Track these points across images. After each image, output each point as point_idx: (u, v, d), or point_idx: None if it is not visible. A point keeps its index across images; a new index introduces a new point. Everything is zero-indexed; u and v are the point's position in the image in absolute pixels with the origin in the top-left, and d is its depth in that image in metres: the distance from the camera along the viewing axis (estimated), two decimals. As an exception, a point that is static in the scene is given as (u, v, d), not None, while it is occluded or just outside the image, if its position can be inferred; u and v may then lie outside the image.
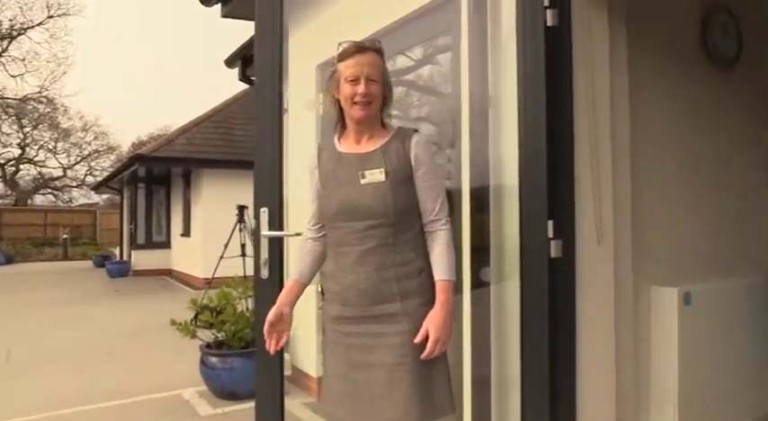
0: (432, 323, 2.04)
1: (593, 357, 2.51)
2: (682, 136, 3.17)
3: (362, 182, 2.10)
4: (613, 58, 2.66)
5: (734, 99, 3.44)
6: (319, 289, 2.29)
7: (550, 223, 2.34)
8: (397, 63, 3.55)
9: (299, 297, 2.29)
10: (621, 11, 2.72)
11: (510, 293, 2.63)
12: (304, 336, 4.71)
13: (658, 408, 2.85)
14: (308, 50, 4.48)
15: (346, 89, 2.10)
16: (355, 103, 2.10)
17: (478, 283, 2.86)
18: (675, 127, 3.14)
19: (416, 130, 2.22)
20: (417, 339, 2.02)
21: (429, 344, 2.01)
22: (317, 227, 2.29)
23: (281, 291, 2.33)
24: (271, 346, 2.21)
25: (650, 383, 2.88)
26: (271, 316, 2.20)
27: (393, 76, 2.46)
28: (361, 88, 2.08)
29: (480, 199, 2.83)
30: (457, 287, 2.23)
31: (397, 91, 3.07)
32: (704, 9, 3.26)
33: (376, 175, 2.09)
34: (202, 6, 5.45)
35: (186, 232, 14.25)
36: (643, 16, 2.90)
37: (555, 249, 2.36)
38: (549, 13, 2.35)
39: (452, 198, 2.75)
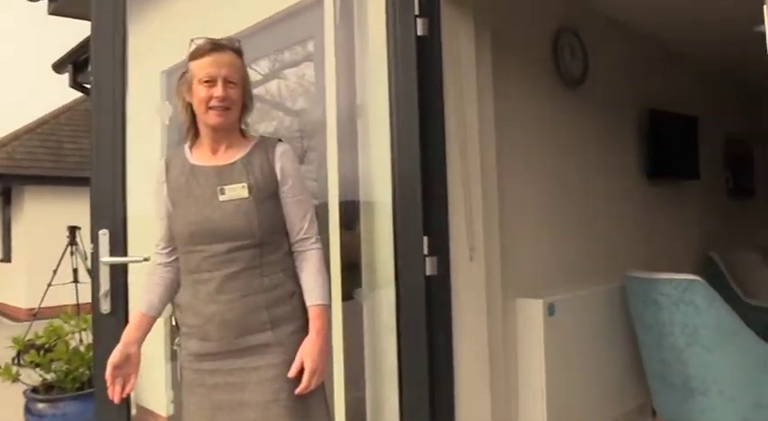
0: (307, 353, 1.84)
1: (470, 372, 2.46)
2: (543, 152, 3.26)
3: (222, 198, 1.85)
4: (480, 71, 2.65)
5: (585, 116, 3.62)
6: (174, 323, 1.99)
7: (425, 240, 2.24)
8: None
9: (147, 333, 1.97)
10: (487, 23, 2.72)
11: (384, 311, 2.50)
12: (150, 367, 4.25)
13: (529, 411, 2.88)
14: (151, 55, 4.08)
15: (200, 92, 1.84)
16: (211, 108, 1.85)
17: (349, 302, 2.70)
18: (537, 143, 3.23)
19: (280, 140, 2.00)
20: (292, 372, 1.81)
21: (305, 377, 1.80)
22: (167, 250, 1.99)
23: (125, 326, 1.99)
24: (115, 394, 1.87)
25: (519, 389, 2.92)
26: (114, 358, 1.86)
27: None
28: (218, 91, 1.83)
29: (349, 215, 2.67)
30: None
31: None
32: (555, 30, 3.40)
33: (237, 191, 1.85)
34: (27, 1, 4.80)
35: (6, 257, 12.66)
36: (506, 31, 2.94)
37: (431, 266, 2.27)
38: (419, 22, 2.27)
39: (319, 215, 2.56)
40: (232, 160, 1.90)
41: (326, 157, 2.73)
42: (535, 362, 2.91)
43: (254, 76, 3.32)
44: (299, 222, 1.94)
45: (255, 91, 3.12)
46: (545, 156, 3.29)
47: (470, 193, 2.52)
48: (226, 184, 1.85)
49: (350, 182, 2.65)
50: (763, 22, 1.51)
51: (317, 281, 1.92)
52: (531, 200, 3.15)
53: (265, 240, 1.86)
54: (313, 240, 1.96)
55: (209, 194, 1.85)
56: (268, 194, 1.89)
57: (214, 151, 1.92)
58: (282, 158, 1.93)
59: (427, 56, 2.31)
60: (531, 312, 2.93)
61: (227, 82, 1.85)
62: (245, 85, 1.93)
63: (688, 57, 4.90)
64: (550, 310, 2.93)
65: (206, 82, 1.83)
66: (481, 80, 2.64)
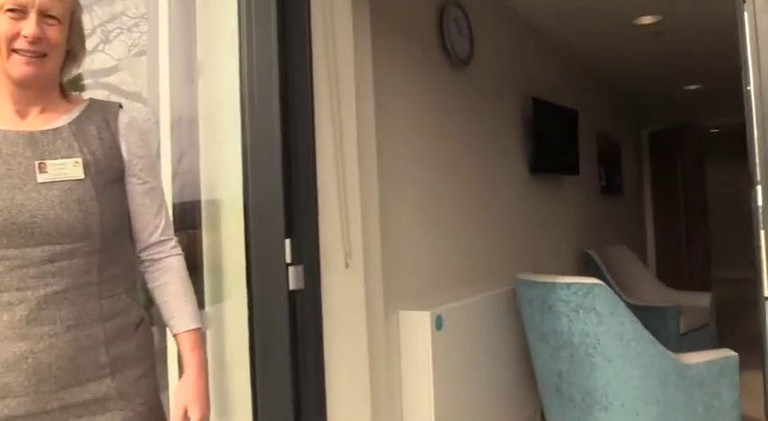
0: (192, 398, 1.33)
1: (347, 394, 1.99)
2: (428, 143, 2.84)
3: (41, 179, 1.21)
4: (358, 48, 2.16)
5: (471, 101, 3.25)
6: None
7: (288, 245, 1.72)
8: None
9: None
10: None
11: (233, 331, 1.95)
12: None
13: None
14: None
15: (2, 25, 1.19)
16: (16, 52, 1.20)
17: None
18: (422, 132, 2.80)
19: (122, 106, 1.38)
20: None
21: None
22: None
23: None
24: None
25: (404, 409, 2.52)
26: None
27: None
28: (28, 27, 1.19)
29: (188, 215, 2.08)
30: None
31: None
32: (441, 3, 3.00)
33: (68, 169, 1.23)
34: None
35: None
36: (387, 3, 2.48)
37: (295, 277, 1.75)
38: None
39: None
40: (55, 125, 1.26)
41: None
42: (422, 379, 2.50)
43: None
44: (154, 219, 1.37)
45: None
46: (430, 147, 2.87)
47: (346, 190, 2.03)
48: (48, 159, 1.22)
49: (190, 176, 2.06)
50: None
51: (186, 298, 1.37)
52: (414, 198, 2.72)
53: (108, 244, 1.26)
54: (173, 244, 1.40)
55: (23, 172, 1.20)
56: (111, 177, 1.29)
57: (22, 114, 1.26)
58: (129, 131, 1.34)
59: (291, 28, 1.78)
60: (417, 325, 2.50)
61: (43, 15, 1.21)
62: (73, 24, 1.29)
63: (567, 48, 4.75)
64: (438, 323, 2.51)
65: (10, 11, 1.19)
66: (360, 58, 2.16)
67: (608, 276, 4.53)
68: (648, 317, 4.25)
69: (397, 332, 2.53)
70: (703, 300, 4.63)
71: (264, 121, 1.77)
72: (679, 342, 4.10)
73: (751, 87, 1.17)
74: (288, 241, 1.72)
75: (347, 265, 2.01)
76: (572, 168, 4.43)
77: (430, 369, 2.50)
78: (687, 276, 6.76)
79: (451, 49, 3.02)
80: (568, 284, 2.57)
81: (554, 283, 2.62)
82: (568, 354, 2.63)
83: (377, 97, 2.32)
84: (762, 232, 1.13)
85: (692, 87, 6.37)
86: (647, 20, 4.07)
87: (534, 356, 2.89)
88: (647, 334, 2.55)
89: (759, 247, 1.19)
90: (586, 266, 4.67)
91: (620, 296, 4.35)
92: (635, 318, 2.55)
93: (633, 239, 6.92)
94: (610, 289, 2.54)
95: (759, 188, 1.16)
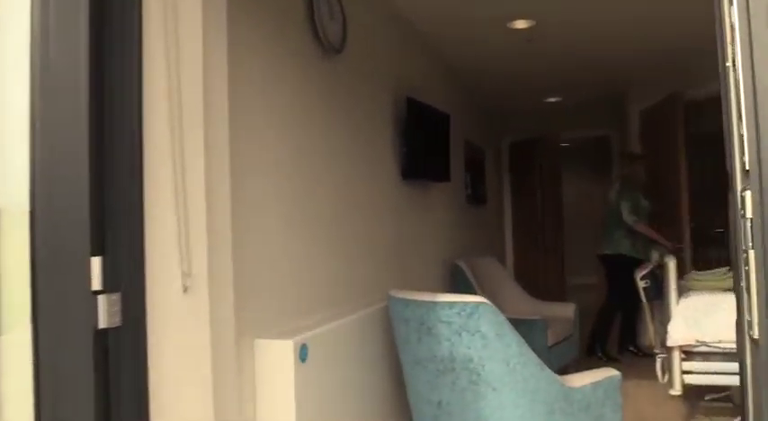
0: None
1: None
2: (292, 142, 2.42)
3: None
4: (209, 33, 1.70)
5: (343, 96, 2.88)
6: None
7: (97, 266, 1.23)
8: None
9: None
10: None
11: (10, 382, 1.40)
12: None
13: None
14: None
15: None
16: None
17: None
18: (285, 129, 2.37)
19: None
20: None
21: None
22: None
23: None
24: None
25: None
26: None
27: None
28: None
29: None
30: None
31: None
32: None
33: None
34: None
35: None
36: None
37: (107, 310, 1.26)
38: None
39: None
40: None
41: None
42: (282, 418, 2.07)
43: None
44: None
45: None
46: (295, 147, 2.46)
47: (186, 197, 1.56)
48: None
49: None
50: None
51: None
52: (275, 207, 2.29)
53: None
54: None
55: None
56: None
57: None
58: None
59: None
60: (277, 356, 2.07)
61: None
62: None
63: (442, 49, 4.55)
64: (302, 354, 2.10)
65: None
66: (211, 37, 1.70)
67: (477, 288, 4.37)
68: (518, 330, 4.14)
69: (252, 365, 2.08)
70: (567, 310, 4.61)
71: (66, 102, 1.26)
72: (548, 355, 4.00)
73: (736, 85, 0.90)
74: (97, 260, 1.23)
75: (185, 289, 1.54)
76: (443, 175, 4.21)
77: (292, 407, 2.07)
78: (543, 284, 6.89)
79: (323, 34, 2.63)
80: (450, 303, 2.27)
81: (434, 302, 2.30)
82: (449, 382, 2.32)
83: (232, 85, 1.88)
84: (752, 253, 0.85)
85: (552, 100, 6.50)
86: (520, 24, 3.96)
87: (409, 384, 2.56)
88: (533, 356, 2.31)
89: (746, 271, 0.91)
90: (455, 278, 4.48)
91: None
92: (521, 340, 2.31)
93: (496, 249, 6.94)
94: (495, 308, 2.28)
95: (749, 194, 0.87)
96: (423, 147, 3.78)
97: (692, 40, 4.54)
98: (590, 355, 5.00)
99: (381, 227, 3.31)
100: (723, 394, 3.66)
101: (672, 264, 3.20)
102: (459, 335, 2.25)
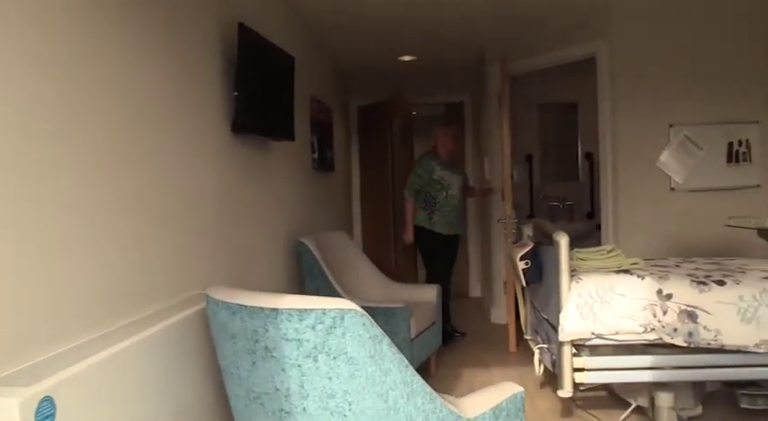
0: None
1: None
2: (57, 83, 1.45)
3: None
4: None
5: (150, 22, 1.92)
6: None
7: None
8: None
9: None
10: None
11: None
12: None
13: None
14: None
15: None
16: None
17: None
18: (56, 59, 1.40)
19: None
20: None
21: None
22: None
23: None
24: None
25: None
26: None
27: None
28: None
29: None
30: None
31: None
32: None
33: None
34: None
35: None
36: None
37: None
38: None
39: None
40: None
41: None
42: None
43: None
44: None
45: None
46: (60, 91, 1.49)
47: None
48: None
49: None
50: None
51: None
52: (29, 173, 1.33)
53: None
54: None
55: None
56: None
57: None
58: None
59: None
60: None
61: None
62: None
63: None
64: (43, 413, 1.20)
65: None
66: None
67: (326, 271, 3.62)
68: (377, 322, 3.47)
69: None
70: (428, 293, 4.03)
71: None
72: (412, 349, 3.38)
73: None
74: None
75: None
76: (286, 132, 3.37)
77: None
78: (395, 261, 6.34)
79: None
80: (301, 312, 1.47)
81: (275, 310, 1.50)
82: (298, 427, 1.55)
83: None
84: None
85: (407, 58, 5.87)
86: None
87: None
88: (421, 383, 1.61)
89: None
90: (300, 259, 3.70)
91: (339, 294, 3.48)
92: (404, 360, 1.58)
93: (344, 223, 6.24)
94: (366, 316, 1.52)
95: None
96: (261, 92, 2.91)
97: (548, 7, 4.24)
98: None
99: (201, 197, 2.41)
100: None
101: (563, 242, 2.67)
102: (315, 359, 1.47)
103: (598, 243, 4.34)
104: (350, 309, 1.47)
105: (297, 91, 3.58)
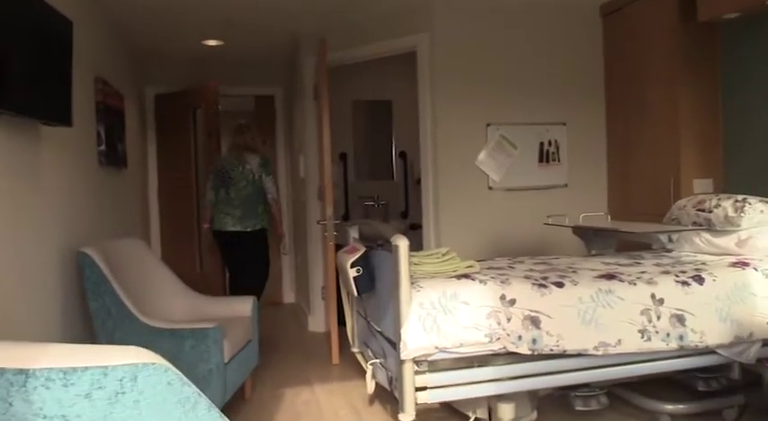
0: None
1: None
2: None
3: None
4: None
5: None
6: None
7: None
8: None
9: None
10: None
11: None
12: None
13: None
14: None
15: None
16: None
17: None
18: None
19: None
20: None
21: None
22: None
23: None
24: None
25: None
26: None
27: None
28: None
29: None
30: None
31: None
32: None
33: None
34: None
35: None
36: None
37: None
38: None
39: None
40: None
41: None
42: None
43: None
44: None
45: None
46: None
47: None
48: None
49: None
50: None
51: None
52: None
53: None
54: None
55: None
56: None
57: None
58: None
59: None
60: None
61: None
62: None
63: None
64: None
65: None
66: None
67: (116, 287, 2.95)
68: (181, 346, 2.89)
69: None
70: (243, 306, 3.52)
71: None
72: (225, 376, 2.86)
73: None
74: None
75: None
76: (61, 113, 2.66)
77: None
78: (200, 270, 5.69)
79: None
80: (68, 373, 0.95)
81: (24, 373, 0.95)
82: None
83: None
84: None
85: (212, 43, 5.26)
86: None
87: None
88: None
89: None
90: (82, 275, 2.98)
91: (131, 313, 2.86)
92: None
93: (140, 228, 5.44)
94: (173, 371, 1.04)
95: None
96: (22, 58, 2.21)
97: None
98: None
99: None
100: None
101: (403, 247, 2.37)
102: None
103: (413, 242, 4.17)
104: (147, 364, 0.98)
105: (77, 67, 2.87)
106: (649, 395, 2.83)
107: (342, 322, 3.54)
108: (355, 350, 3.37)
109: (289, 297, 6.48)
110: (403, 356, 2.29)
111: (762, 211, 2.91)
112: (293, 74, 5.73)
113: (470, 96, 4.29)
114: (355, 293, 2.80)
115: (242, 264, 4.61)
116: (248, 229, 4.48)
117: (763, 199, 2.99)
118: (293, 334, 5.08)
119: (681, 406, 2.80)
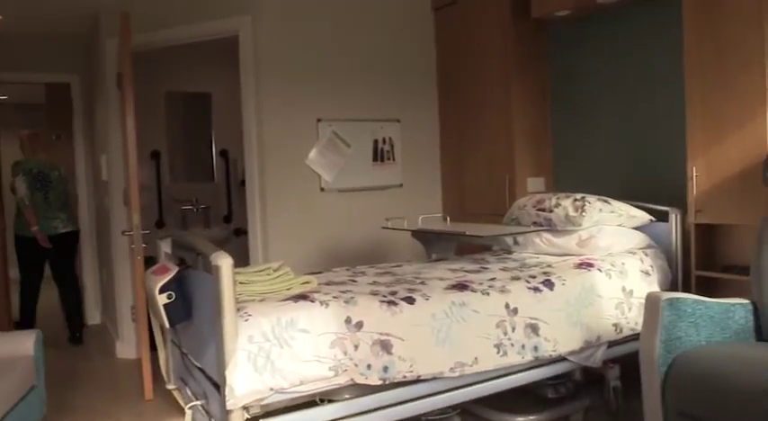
0: None
1: None
2: None
3: None
4: None
5: None
6: None
7: None
8: None
9: None
10: None
11: None
12: None
13: None
14: None
15: None
16: None
17: None
18: None
19: None
20: None
21: None
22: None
23: None
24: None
25: None
26: None
27: None
28: None
29: None
30: None
31: None
32: None
33: None
34: None
35: None
36: None
37: None
38: None
39: None
40: None
41: None
42: None
43: None
44: None
45: None
46: None
47: None
48: None
49: None
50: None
51: None
52: None
53: None
54: None
55: None
56: None
57: None
58: None
59: None
60: None
61: None
62: None
63: None
64: None
65: None
66: None
67: None
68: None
69: None
70: (22, 344, 2.79)
71: None
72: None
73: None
74: None
75: None
76: None
77: None
78: None
79: None
80: None
81: None
82: None
83: None
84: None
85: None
86: None
87: None
88: None
89: None
90: None
91: None
92: None
93: None
94: None
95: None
96: None
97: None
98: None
99: None
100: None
101: (226, 268, 1.91)
102: None
103: (239, 250, 3.71)
104: None
105: None
106: (502, 408, 2.67)
107: (155, 347, 2.96)
108: (171, 387, 2.82)
109: (93, 317, 5.60)
110: (230, 406, 1.84)
111: (600, 210, 2.88)
112: (93, 58, 4.91)
113: (299, 89, 3.89)
114: (167, 325, 2.27)
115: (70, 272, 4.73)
116: (76, 229, 4.73)
117: (601, 197, 2.97)
118: (98, 363, 4.32)
119: (532, 417, 2.67)
